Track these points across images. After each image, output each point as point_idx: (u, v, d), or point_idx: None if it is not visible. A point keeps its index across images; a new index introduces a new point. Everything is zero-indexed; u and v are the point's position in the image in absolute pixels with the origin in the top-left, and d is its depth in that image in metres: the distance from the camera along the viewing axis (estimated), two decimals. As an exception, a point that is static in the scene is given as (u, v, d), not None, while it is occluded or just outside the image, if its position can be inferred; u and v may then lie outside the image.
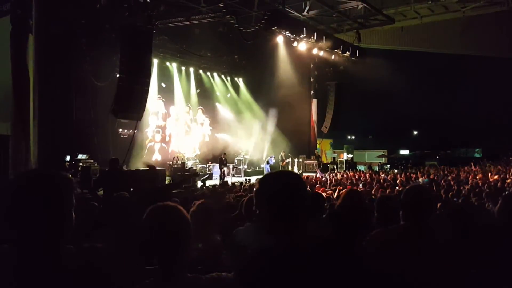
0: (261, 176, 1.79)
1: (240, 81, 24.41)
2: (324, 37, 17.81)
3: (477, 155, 34.73)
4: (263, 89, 22.68)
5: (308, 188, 1.84)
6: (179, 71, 20.81)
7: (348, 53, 19.65)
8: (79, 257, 1.58)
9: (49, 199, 1.54)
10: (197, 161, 20.15)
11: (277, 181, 1.71)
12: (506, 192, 4.23)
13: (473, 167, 19.40)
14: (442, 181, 12.27)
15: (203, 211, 3.16)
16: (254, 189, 1.76)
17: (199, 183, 15.64)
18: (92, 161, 13.78)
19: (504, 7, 16.19)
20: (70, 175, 1.66)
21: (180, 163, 17.08)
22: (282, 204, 1.64)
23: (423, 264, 2.26)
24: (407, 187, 2.63)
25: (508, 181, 11.45)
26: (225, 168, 19.23)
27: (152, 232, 1.74)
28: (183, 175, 15.16)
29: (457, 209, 3.40)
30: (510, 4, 15.87)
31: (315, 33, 17.41)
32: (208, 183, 16.31)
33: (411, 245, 2.30)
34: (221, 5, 14.69)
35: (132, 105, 12.92)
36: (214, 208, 3.07)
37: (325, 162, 26.49)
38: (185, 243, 1.76)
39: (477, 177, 13.71)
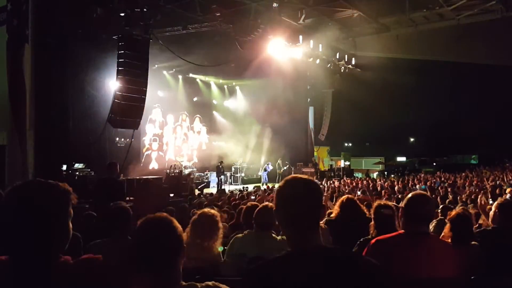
0: (281, 183, 1.71)
1: (237, 89, 24.47)
2: (320, 45, 17.91)
3: (473, 161, 34.84)
4: (260, 97, 22.73)
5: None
6: (176, 79, 20.86)
7: (344, 61, 19.77)
8: (76, 269, 1.57)
9: (46, 210, 1.53)
10: (194, 169, 20.12)
11: (299, 191, 1.63)
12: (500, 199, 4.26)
13: (469, 173, 19.47)
14: (439, 188, 12.28)
15: (205, 220, 3.14)
16: (275, 197, 1.70)
17: (197, 191, 15.62)
18: (89, 170, 13.72)
19: (498, 15, 16.34)
20: (68, 187, 1.65)
21: (177, 171, 17.04)
22: (305, 215, 1.60)
23: (425, 271, 2.26)
24: (409, 194, 2.61)
25: (507, 189, 11.41)
26: (222, 176, 19.21)
27: (143, 244, 1.75)
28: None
29: (457, 215, 3.40)
30: (504, 12, 16.03)
31: (311, 41, 17.50)
32: (206, 191, 16.30)
33: (412, 252, 2.30)
34: (217, 14, 14.77)
35: (129, 114, 12.93)
36: (216, 216, 3.05)
37: (322, 169, 26.51)
38: (177, 254, 1.76)
39: (473, 184, 13.76)
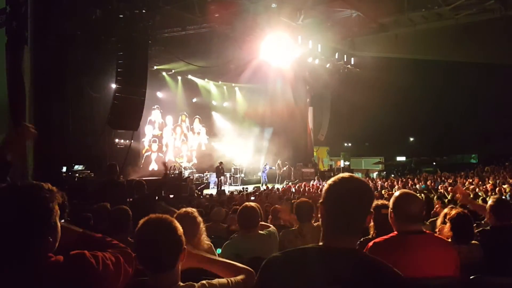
0: (334, 179, 1.62)
1: (236, 90, 24.46)
2: (319, 45, 17.92)
3: (473, 161, 34.79)
4: (259, 98, 22.73)
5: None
6: (175, 80, 20.85)
7: (343, 61, 19.79)
8: (67, 268, 1.57)
9: (29, 211, 1.53)
10: (194, 170, 20.13)
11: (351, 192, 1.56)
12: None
13: (470, 173, 19.47)
14: (439, 188, 12.29)
15: (182, 220, 3.12)
16: (323, 191, 1.62)
17: (196, 192, 15.60)
18: (89, 171, 13.73)
19: (497, 15, 16.34)
20: (52, 186, 1.64)
21: (177, 172, 17.05)
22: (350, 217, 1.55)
23: (421, 270, 2.26)
24: (394, 195, 2.58)
25: (507, 188, 11.44)
26: (222, 177, 19.20)
27: (143, 245, 1.76)
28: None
29: (457, 214, 3.41)
30: (503, 11, 16.03)
31: (310, 42, 17.52)
32: (205, 192, 16.29)
33: (407, 253, 2.29)
34: (216, 15, 14.80)
35: (128, 115, 12.94)
36: (192, 213, 3.04)
37: (322, 169, 26.50)
38: (177, 255, 1.77)
39: (474, 183, 13.77)
